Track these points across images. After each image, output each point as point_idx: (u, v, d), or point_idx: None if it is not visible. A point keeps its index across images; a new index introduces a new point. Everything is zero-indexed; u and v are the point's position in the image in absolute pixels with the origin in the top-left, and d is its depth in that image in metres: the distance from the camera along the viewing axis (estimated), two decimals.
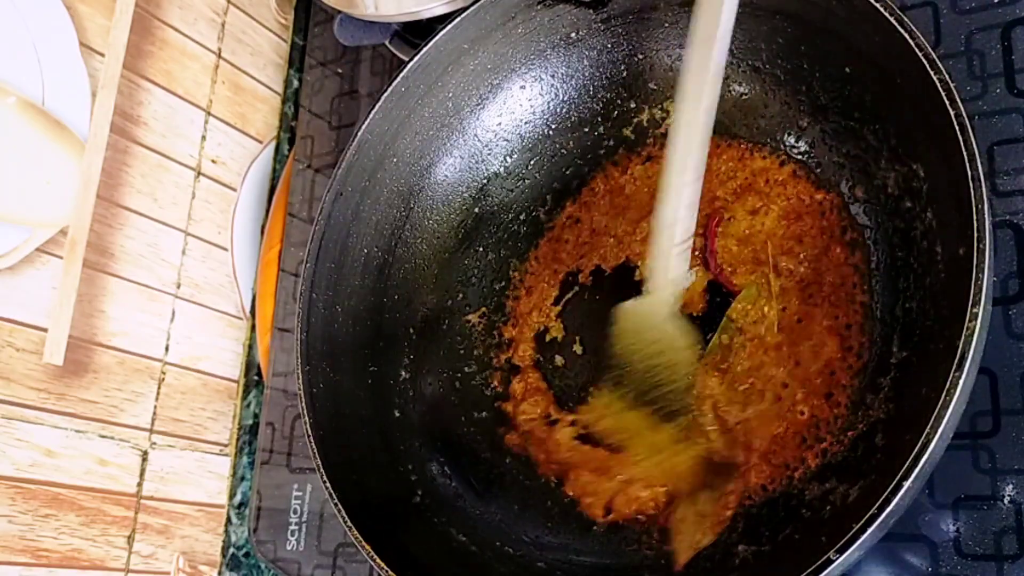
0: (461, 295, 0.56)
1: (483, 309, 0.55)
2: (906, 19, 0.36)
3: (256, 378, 0.69)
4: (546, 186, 0.56)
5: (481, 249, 0.56)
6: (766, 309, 0.44)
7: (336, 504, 0.43)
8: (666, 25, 0.49)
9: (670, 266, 0.41)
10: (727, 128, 0.49)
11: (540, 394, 0.52)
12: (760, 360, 0.45)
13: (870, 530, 0.31)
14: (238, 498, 0.67)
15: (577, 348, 0.52)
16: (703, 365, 0.44)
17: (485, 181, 0.56)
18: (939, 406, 0.31)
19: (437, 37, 0.50)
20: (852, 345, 0.42)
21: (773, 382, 0.44)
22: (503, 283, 0.56)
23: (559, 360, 0.52)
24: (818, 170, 0.45)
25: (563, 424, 0.49)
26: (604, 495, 0.46)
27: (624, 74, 0.52)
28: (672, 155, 0.40)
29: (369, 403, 0.51)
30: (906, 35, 0.36)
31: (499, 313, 0.55)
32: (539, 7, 0.50)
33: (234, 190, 0.71)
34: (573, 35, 0.52)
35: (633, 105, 0.53)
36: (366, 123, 0.51)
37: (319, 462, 0.45)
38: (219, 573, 0.65)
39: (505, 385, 0.53)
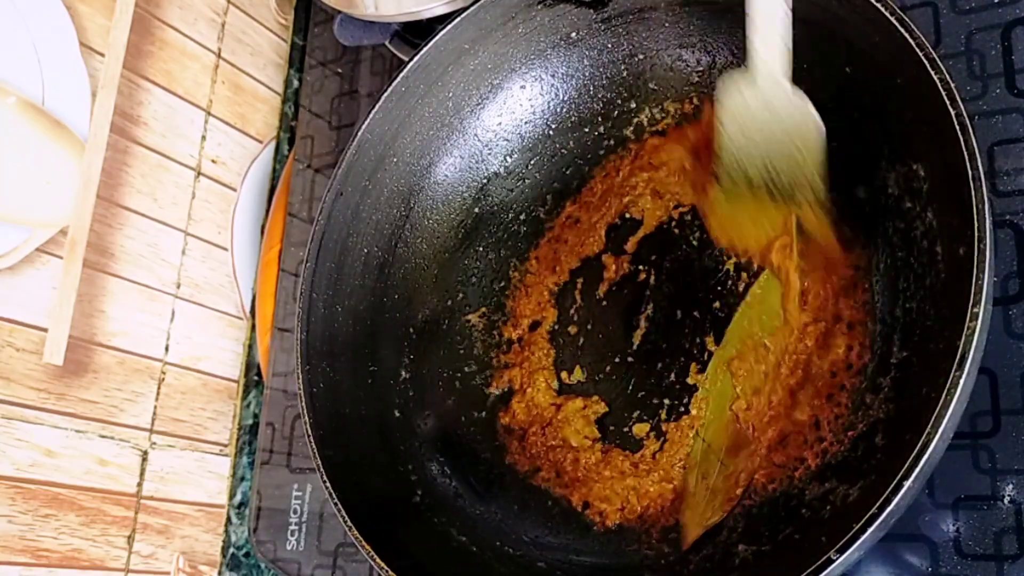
0: (461, 295, 0.56)
1: (483, 309, 0.55)
2: (906, 19, 0.36)
3: (256, 378, 0.69)
4: (546, 186, 0.56)
5: (481, 249, 0.56)
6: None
7: (336, 504, 0.43)
8: (666, 25, 0.49)
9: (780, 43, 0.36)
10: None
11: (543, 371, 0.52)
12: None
13: (870, 530, 0.31)
14: (238, 498, 0.67)
15: (579, 340, 0.52)
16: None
17: (485, 181, 0.56)
18: (939, 406, 0.31)
19: (437, 37, 0.50)
20: (853, 345, 0.42)
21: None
22: (503, 283, 0.56)
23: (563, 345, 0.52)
24: None
25: (576, 425, 0.49)
26: (618, 499, 0.47)
27: (624, 74, 0.52)
28: None
29: (369, 403, 0.51)
30: (906, 35, 0.36)
31: (499, 313, 0.55)
32: (539, 7, 0.50)
33: (234, 190, 0.71)
34: (573, 35, 0.52)
35: (633, 105, 0.53)
36: (366, 123, 0.51)
37: (319, 462, 0.45)
38: (219, 573, 0.65)
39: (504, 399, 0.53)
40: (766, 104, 0.37)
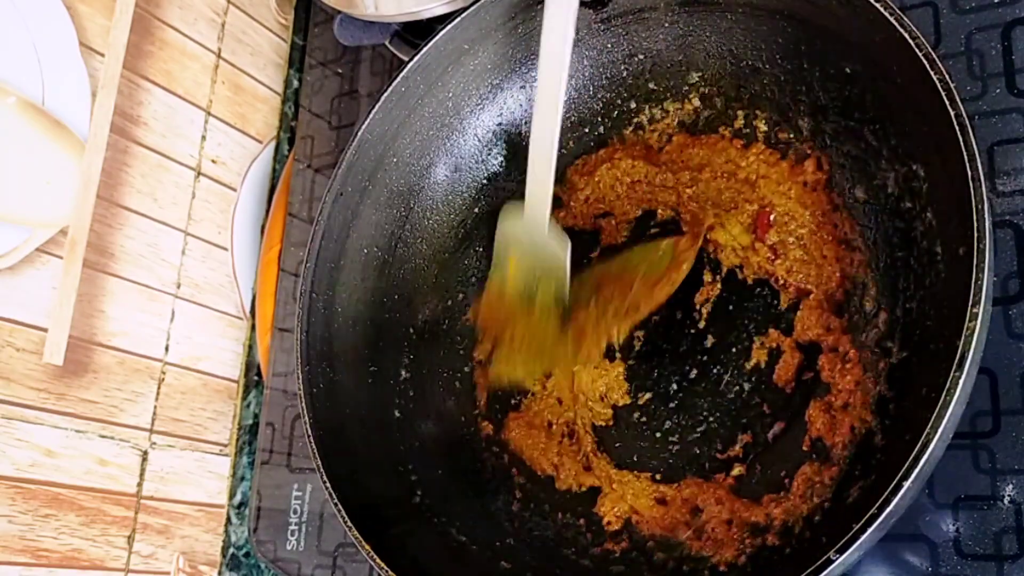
0: (461, 295, 0.56)
1: None
2: (906, 19, 0.36)
3: (256, 378, 0.69)
4: None
5: (481, 249, 0.56)
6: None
7: (336, 504, 0.43)
8: (666, 25, 0.49)
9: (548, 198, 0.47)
10: (727, 127, 0.49)
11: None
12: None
13: (870, 530, 0.31)
14: (238, 498, 0.67)
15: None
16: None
17: (485, 181, 0.56)
18: (939, 406, 0.31)
19: (437, 37, 0.50)
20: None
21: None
22: None
23: None
24: (818, 170, 0.45)
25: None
26: (619, 501, 0.47)
27: (624, 74, 0.52)
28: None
29: (369, 403, 0.51)
30: (906, 35, 0.36)
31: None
32: (539, 7, 0.50)
33: (234, 190, 0.71)
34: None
35: (633, 105, 0.53)
36: (366, 123, 0.51)
37: (319, 462, 0.45)
38: (219, 573, 0.65)
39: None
40: (527, 233, 0.48)
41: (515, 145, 0.55)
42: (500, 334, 0.50)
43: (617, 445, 0.49)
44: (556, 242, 0.48)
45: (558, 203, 0.54)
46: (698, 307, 0.48)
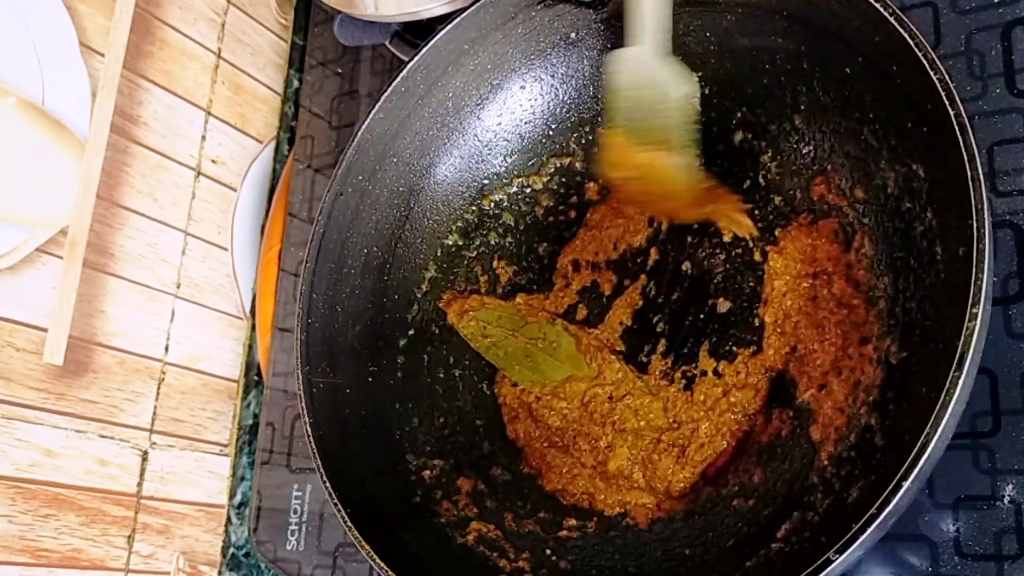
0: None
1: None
2: (906, 19, 0.36)
3: (256, 378, 0.69)
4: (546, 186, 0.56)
5: (482, 249, 0.56)
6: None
7: (336, 504, 0.43)
8: None
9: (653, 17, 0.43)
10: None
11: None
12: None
13: (870, 530, 0.31)
14: (238, 498, 0.67)
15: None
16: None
17: (485, 181, 0.56)
18: (939, 406, 0.31)
19: (437, 37, 0.50)
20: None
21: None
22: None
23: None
24: (818, 170, 0.45)
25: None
26: (620, 502, 0.47)
27: None
28: None
29: (369, 403, 0.51)
30: (906, 35, 0.36)
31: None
32: (539, 7, 0.50)
33: (234, 190, 0.71)
34: (573, 35, 0.52)
35: None
36: (366, 123, 0.51)
37: (319, 462, 0.45)
38: (219, 573, 0.65)
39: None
40: (646, 74, 0.44)
41: (515, 145, 0.55)
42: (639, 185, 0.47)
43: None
44: (680, 74, 0.43)
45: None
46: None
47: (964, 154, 0.33)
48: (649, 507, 0.46)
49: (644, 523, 0.45)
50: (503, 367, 0.52)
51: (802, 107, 0.46)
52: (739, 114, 0.48)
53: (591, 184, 0.54)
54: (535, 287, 0.55)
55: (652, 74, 0.43)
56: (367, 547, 0.42)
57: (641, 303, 0.51)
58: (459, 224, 0.56)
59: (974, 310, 0.31)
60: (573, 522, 0.47)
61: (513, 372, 0.52)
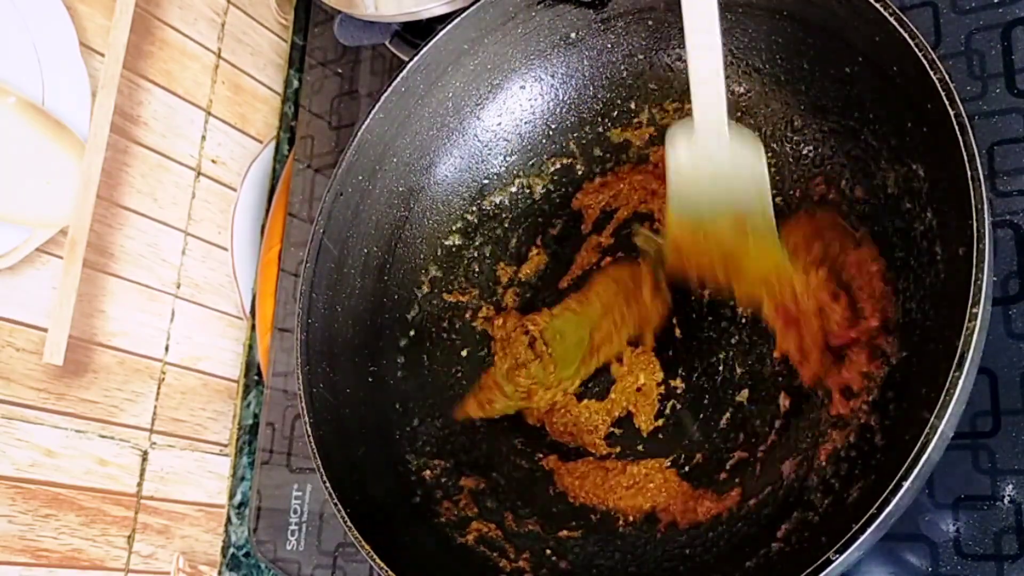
0: (461, 295, 0.56)
1: (484, 310, 0.55)
2: (906, 19, 0.36)
3: (256, 378, 0.69)
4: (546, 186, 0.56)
5: (483, 249, 0.56)
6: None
7: (336, 504, 0.43)
8: (666, 25, 0.49)
9: (721, 101, 0.39)
10: None
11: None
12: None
13: (870, 530, 0.31)
14: (238, 498, 0.67)
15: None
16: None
17: (485, 181, 0.56)
18: (939, 406, 0.31)
19: (437, 37, 0.50)
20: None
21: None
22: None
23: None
24: (818, 170, 0.45)
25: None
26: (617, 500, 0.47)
27: (624, 74, 0.52)
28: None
29: (369, 403, 0.51)
30: (906, 35, 0.36)
31: (500, 313, 0.55)
32: (539, 7, 0.50)
33: (234, 190, 0.71)
34: (573, 35, 0.52)
35: (633, 105, 0.53)
36: (366, 123, 0.51)
37: (319, 462, 0.45)
38: (219, 573, 0.65)
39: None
40: (708, 155, 0.40)
41: (515, 145, 0.55)
42: (706, 268, 0.42)
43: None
44: (745, 146, 0.39)
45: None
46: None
47: (964, 154, 0.33)
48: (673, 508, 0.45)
49: (664, 527, 0.45)
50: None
51: (802, 107, 0.46)
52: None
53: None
54: (536, 287, 0.55)
55: (722, 153, 0.39)
56: (367, 547, 0.42)
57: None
58: (459, 224, 0.56)
59: (974, 310, 0.31)
60: (574, 522, 0.47)
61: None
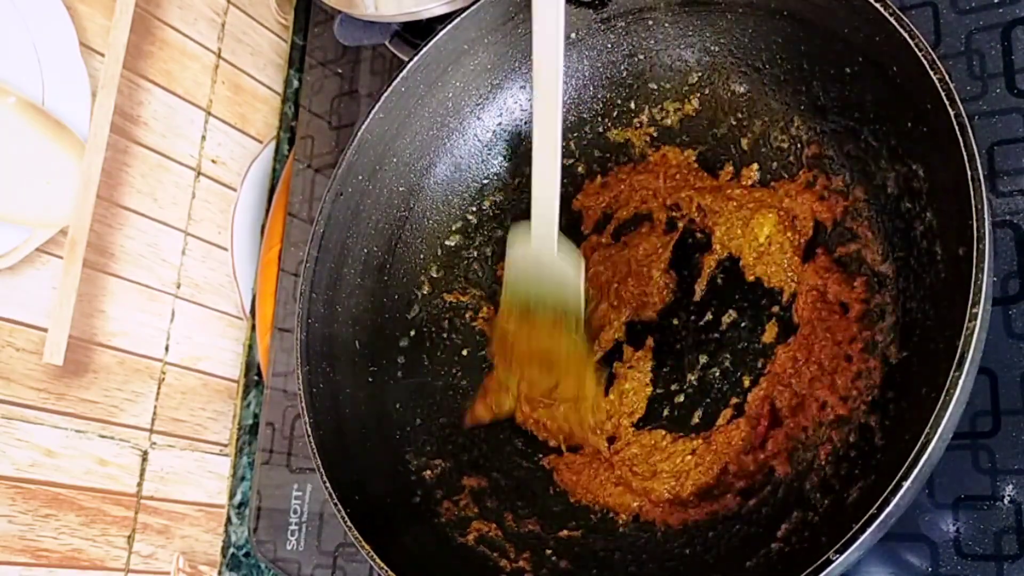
0: (461, 295, 0.56)
1: (484, 310, 0.55)
2: (906, 19, 0.36)
3: (256, 378, 0.69)
4: None
5: (483, 249, 0.56)
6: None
7: (336, 504, 0.43)
8: (666, 25, 0.49)
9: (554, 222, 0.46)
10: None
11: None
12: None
13: (870, 530, 0.31)
14: (238, 498, 0.67)
15: None
16: None
17: (485, 181, 0.56)
18: (939, 406, 0.31)
19: (437, 37, 0.50)
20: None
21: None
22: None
23: None
24: (818, 170, 0.45)
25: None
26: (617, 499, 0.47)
27: (624, 74, 0.52)
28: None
29: (369, 403, 0.51)
30: (906, 35, 0.36)
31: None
32: None
33: (234, 190, 0.71)
34: (573, 35, 0.52)
35: (633, 105, 0.53)
36: (366, 123, 0.51)
37: (319, 462, 0.45)
38: (219, 573, 0.65)
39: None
40: (536, 258, 0.47)
41: (515, 145, 0.55)
42: (516, 358, 0.49)
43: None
44: (568, 262, 0.47)
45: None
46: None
47: (964, 154, 0.33)
48: (663, 509, 0.45)
49: (659, 523, 0.45)
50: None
51: (802, 107, 0.46)
52: (739, 115, 0.48)
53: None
54: None
55: (549, 259, 0.47)
56: (367, 547, 0.42)
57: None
58: (459, 224, 0.56)
59: (974, 310, 0.31)
60: (574, 522, 0.47)
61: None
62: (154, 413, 0.63)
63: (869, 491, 0.35)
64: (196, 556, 0.64)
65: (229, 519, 0.66)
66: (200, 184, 0.68)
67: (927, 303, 0.38)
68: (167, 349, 0.64)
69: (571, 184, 0.55)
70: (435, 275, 0.56)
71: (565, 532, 0.47)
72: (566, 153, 0.55)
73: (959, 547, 0.40)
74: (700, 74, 0.50)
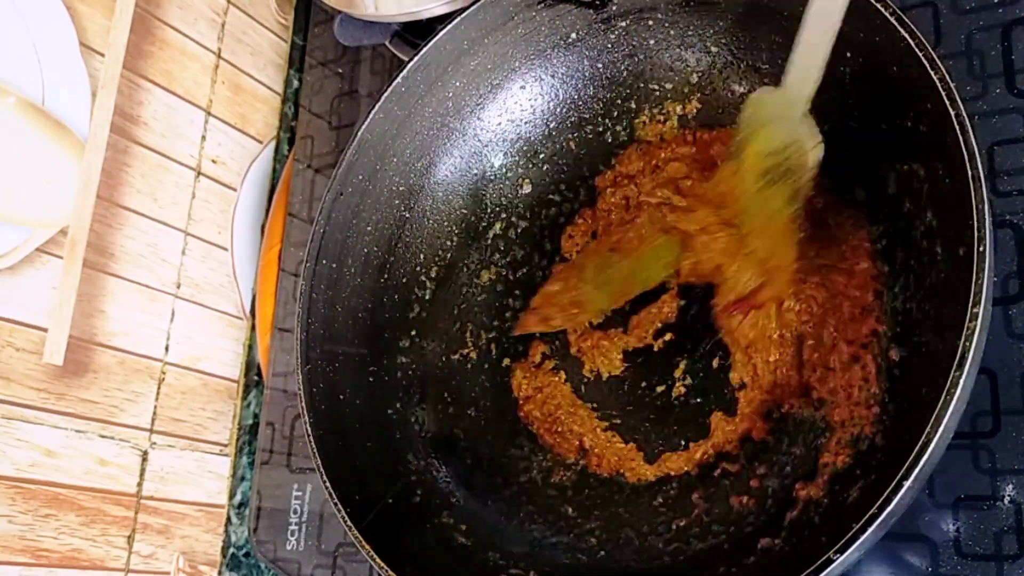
0: (461, 295, 0.56)
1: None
2: (906, 19, 0.36)
3: (256, 378, 0.69)
4: (546, 186, 0.56)
5: (483, 250, 0.56)
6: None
7: (336, 504, 0.43)
8: (666, 25, 0.49)
9: (814, 75, 0.40)
10: (726, 127, 0.49)
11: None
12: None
13: (870, 530, 0.31)
14: (238, 498, 0.67)
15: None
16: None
17: (485, 181, 0.56)
18: (939, 406, 0.31)
19: (437, 37, 0.50)
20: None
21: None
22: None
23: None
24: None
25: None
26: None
27: (624, 74, 0.52)
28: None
29: (369, 403, 0.51)
30: (906, 35, 0.36)
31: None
32: (539, 7, 0.50)
33: (234, 190, 0.71)
34: (573, 35, 0.52)
35: (633, 105, 0.53)
36: (366, 123, 0.51)
37: (319, 462, 0.45)
38: (219, 573, 0.65)
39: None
40: (778, 109, 0.41)
41: (516, 145, 0.55)
42: (721, 211, 0.44)
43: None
44: (807, 132, 0.41)
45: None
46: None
47: (964, 154, 0.33)
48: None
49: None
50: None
51: None
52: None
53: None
54: (536, 288, 0.55)
55: (795, 125, 0.41)
56: (367, 547, 0.42)
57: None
58: (459, 224, 0.56)
59: (974, 310, 0.31)
60: (575, 521, 0.47)
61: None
62: (154, 413, 0.63)
63: (869, 491, 0.35)
64: (196, 556, 0.64)
65: (229, 519, 0.66)
66: (200, 184, 0.68)
67: (927, 303, 0.38)
68: (167, 349, 0.64)
69: (571, 185, 0.55)
70: (435, 275, 0.56)
71: (566, 532, 0.47)
72: (566, 152, 0.55)
73: (959, 547, 0.40)
74: (700, 74, 0.50)
